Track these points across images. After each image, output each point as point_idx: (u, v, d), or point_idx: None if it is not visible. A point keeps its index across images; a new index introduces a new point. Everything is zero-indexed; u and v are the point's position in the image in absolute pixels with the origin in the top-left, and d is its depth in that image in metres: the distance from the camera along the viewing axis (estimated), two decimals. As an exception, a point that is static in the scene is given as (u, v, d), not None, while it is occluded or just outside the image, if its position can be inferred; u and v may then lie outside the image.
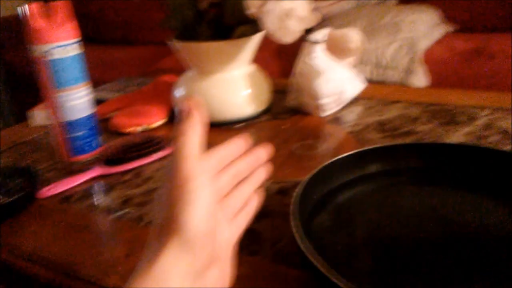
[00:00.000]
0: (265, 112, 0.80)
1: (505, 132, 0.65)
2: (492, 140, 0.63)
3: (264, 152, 0.40)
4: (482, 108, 0.74)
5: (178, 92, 0.78)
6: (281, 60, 1.46)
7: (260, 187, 0.40)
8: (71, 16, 0.60)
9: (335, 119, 0.76)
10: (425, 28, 1.35)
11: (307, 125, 0.75)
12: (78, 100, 0.62)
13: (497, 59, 1.23)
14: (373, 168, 0.53)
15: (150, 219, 0.51)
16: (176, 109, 0.33)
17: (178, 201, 0.30)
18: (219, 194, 0.35)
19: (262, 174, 0.40)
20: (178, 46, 0.73)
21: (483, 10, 1.52)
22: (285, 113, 0.80)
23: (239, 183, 0.38)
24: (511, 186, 0.48)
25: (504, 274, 0.38)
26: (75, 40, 0.61)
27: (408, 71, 1.22)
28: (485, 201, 0.48)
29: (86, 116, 0.63)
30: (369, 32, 1.34)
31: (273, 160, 0.64)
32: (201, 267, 0.30)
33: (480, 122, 0.69)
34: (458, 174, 0.52)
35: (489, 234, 0.43)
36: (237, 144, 0.38)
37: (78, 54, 0.61)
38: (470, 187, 0.50)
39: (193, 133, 0.32)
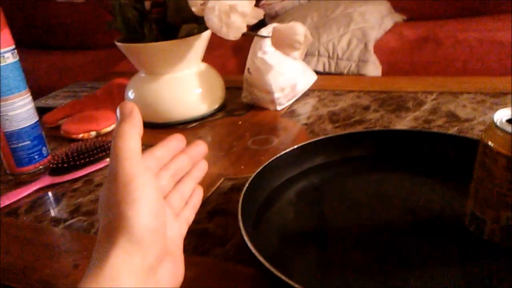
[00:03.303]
0: (220, 109, 0.80)
1: (450, 115, 0.67)
2: (439, 123, 0.65)
3: (200, 147, 0.40)
4: (429, 93, 0.76)
5: (130, 95, 0.77)
6: (238, 57, 1.46)
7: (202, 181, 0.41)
8: (4, 24, 0.58)
9: (289, 112, 0.77)
10: (376, 19, 1.37)
11: (262, 120, 0.75)
12: (18, 110, 0.60)
13: (445, 45, 1.27)
14: (322, 159, 0.54)
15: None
16: (117, 113, 0.33)
17: (123, 200, 0.30)
18: (162, 192, 0.35)
19: (201, 169, 0.40)
20: (123, 48, 0.71)
21: (430, -1, 1.57)
22: (240, 110, 0.80)
23: (180, 180, 0.38)
24: (458, 168, 0.49)
25: (455, 257, 0.38)
26: (9, 48, 0.59)
27: (361, 61, 1.24)
28: (435, 184, 0.49)
29: (29, 126, 0.61)
30: (321, 25, 1.36)
31: (228, 156, 0.64)
32: (152, 263, 0.30)
33: (427, 106, 0.71)
34: (408, 159, 0.53)
35: (440, 217, 0.43)
36: (173, 142, 0.38)
37: (13, 63, 0.59)
38: (420, 171, 0.51)
39: (133, 135, 0.32)
